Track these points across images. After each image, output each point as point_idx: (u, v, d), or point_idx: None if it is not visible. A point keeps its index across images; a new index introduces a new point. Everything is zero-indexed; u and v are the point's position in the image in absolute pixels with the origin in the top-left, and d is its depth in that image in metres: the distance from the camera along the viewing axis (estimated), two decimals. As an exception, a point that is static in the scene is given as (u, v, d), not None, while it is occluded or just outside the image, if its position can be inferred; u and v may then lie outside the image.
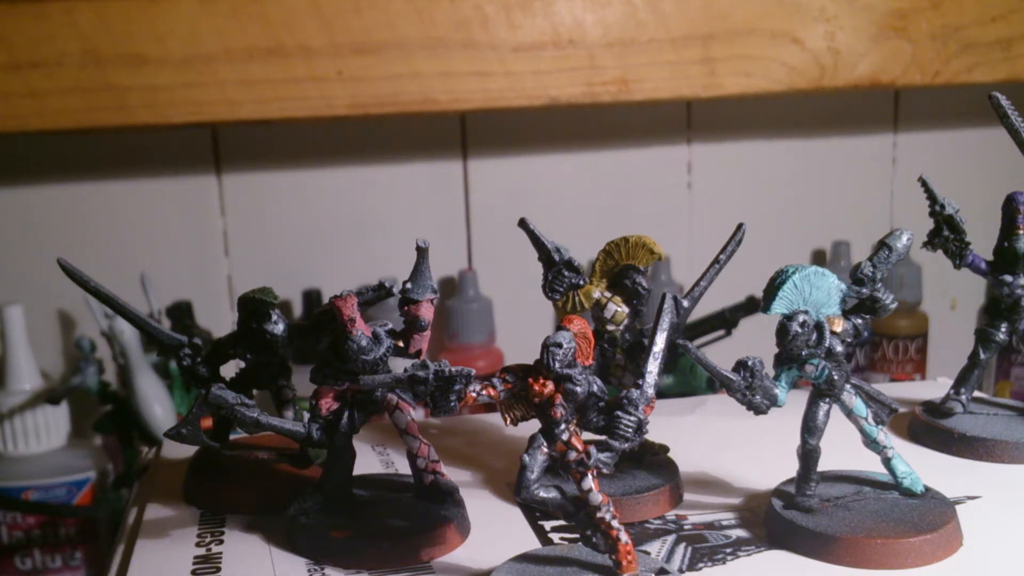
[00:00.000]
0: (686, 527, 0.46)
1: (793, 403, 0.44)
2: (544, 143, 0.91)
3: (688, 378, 0.77)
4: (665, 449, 0.52)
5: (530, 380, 0.38)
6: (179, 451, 0.55)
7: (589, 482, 0.38)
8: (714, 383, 0.75)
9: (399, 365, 0.41)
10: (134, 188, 0.85)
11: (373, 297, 0.46)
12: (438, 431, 0.60)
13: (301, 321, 0.48)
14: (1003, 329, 0.54)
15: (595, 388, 0.38)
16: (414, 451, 0.46)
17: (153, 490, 0.52)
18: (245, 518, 0.48)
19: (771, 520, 0.44)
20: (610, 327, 0.48)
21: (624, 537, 0.39)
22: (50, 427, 0.73)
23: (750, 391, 0.42)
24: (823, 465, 0.44)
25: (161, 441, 0.60)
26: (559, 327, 0.39)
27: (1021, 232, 0.53)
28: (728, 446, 0.56)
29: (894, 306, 0.44)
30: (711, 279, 0.49)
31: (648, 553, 0.43)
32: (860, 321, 0.44)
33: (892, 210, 0.98)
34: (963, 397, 0.55)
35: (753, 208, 0.95)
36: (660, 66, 0.77)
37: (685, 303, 0.47)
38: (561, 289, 0.48)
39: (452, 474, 0.48)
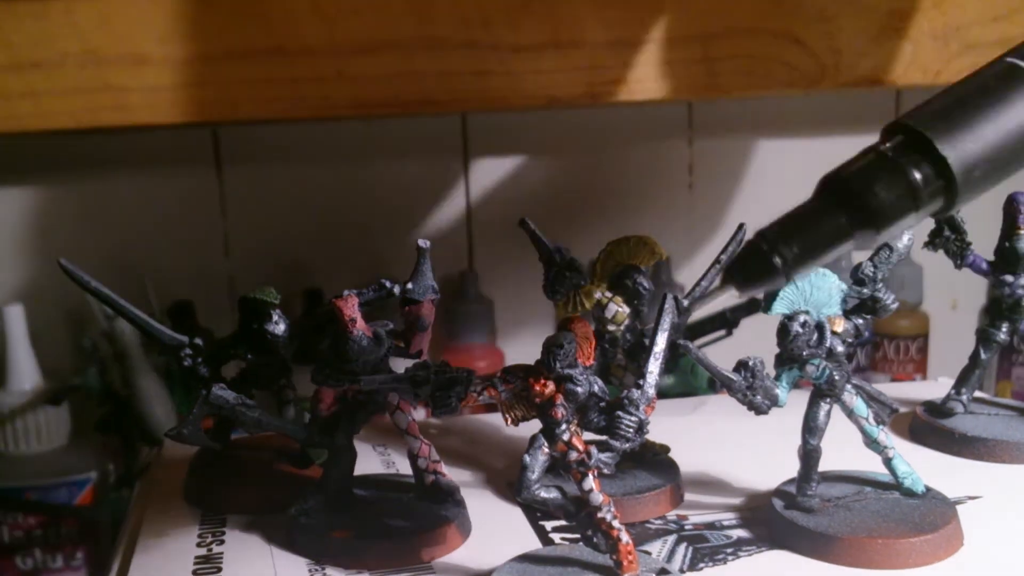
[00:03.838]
0: (687, 527, 0.46)
1: (794, 403, 0.44)
2: (544, 143, 0.91)
3: (689, 378, 0.77)
4: (666, 449, 0.52)
5: (531, 380, 0.38)
6: (180, 451, 0.55)
7: (590, 482, 0.38)
8: (715, 383, 0.75)
9: (400, 366, 0.41)
10: (135, 188, 0.85)
11: (374, 297, 0.46)
12: (439, 431, 0.60)
13: (303, 320, 0.48)
14: (1004, 329, 0.54)
15: (596, 388, 0.38)
16: (415, 451, 0.46)
17: (154, 490, 0.52)
18: (246, 518, 0.48)
19: (772, 520, 0.44)
20: (611, 327, 0.48)
21: (625, 537, 0.39)
22: (51, 427, 0.73)
23: (751, 391, 0.42)
24: (824, 465, 0.44)
25: (162, 441, 0.60)
26: (559, 327, 0.39)
27: (1022, 232, 0.53)
28: (729, 446, 0.56)
29: (895, 306, 0.45)
30: (712, 279, 0.49)
31: (649, 553, 0.43)
32: (861, 321, 0.44)
33: (893, 210, 0.98)
34: (964, 397, 0.55)
35: (754, 208, 0.95)
36: (661, 66, 0.77)
37: (686, 303, 0.48)
38: (562, 289, 0.48)
39: (453, 474, 0.48)
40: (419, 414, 0.73)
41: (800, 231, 0.27)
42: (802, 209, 0.28)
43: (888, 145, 0.27)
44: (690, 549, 0.44)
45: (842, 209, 0.27)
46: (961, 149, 0.26)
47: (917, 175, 0.26)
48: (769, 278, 0.28)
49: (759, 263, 0.28)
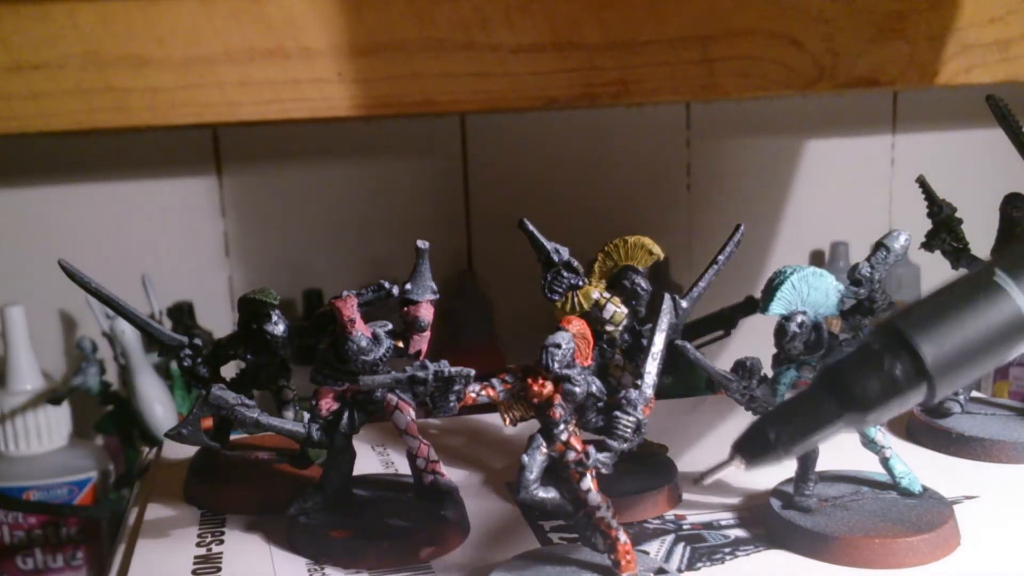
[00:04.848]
0: (685, 527, 0.46)
1: (791, 403, 0.44)
2: (544, 144, 0.91)
3: (688, 378, 0.77)
4: (664, 449, 0.52)
5: (529, 380, 0.38)
6: (180, 451, 0.55)
7: (588, 482, 0.38)
8: (713, 383, 0.75)
9: (399, 366, 0.41)
10: (135, 189, 0.86)
11: (373, 298, 0.46)
12: (438, 431, 0.60)
13: (302, 322, 0.49)
14: (1001, 330, 0.54)
15: (594, 388, 0.39)
16: (414, 451, 0.46)
17: (154, 490, 0.52)
18: (245, 518, 0.48)
19: (770, 520, 0.45)
20: (609, 328, 0.48)
21: (623, 537, 0.39)
22: (51, 427, 0.73)
23: (748, 391, 0.42)
24: (821, 465, 0.45)
25: (162, 441, 0.60)
26: (558, 328, 0.39)
27: (1018, 233, 0.53)
28: (727, 446, 0.56)
29: (892, 307, 0.45)
30: (709, 280, 0.49)
31: (647, 553, 0.43)
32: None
33: (890, 211, 0.98)
34: (961, 397, 0.56)
35: (752, 209, 0.95)
36: (659, 67, 0.77)
37: (684, 303, 0.48)
38: (560, 290, 0.48)
39: (452, 474, 0.48)
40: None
41: (796, 414, 0.32)
42: (800, 396, 0.32)
43: (876, 344, 0.31)
44: (688, 549, 0.44)
45: (833, 396, 0.31)
46: (939, 351, 0.30)
47: (899, 371, 0.30)
48: (772, 455, 0.32)
49: (760, 441, 0.32)
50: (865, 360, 0.31)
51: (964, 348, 0.30)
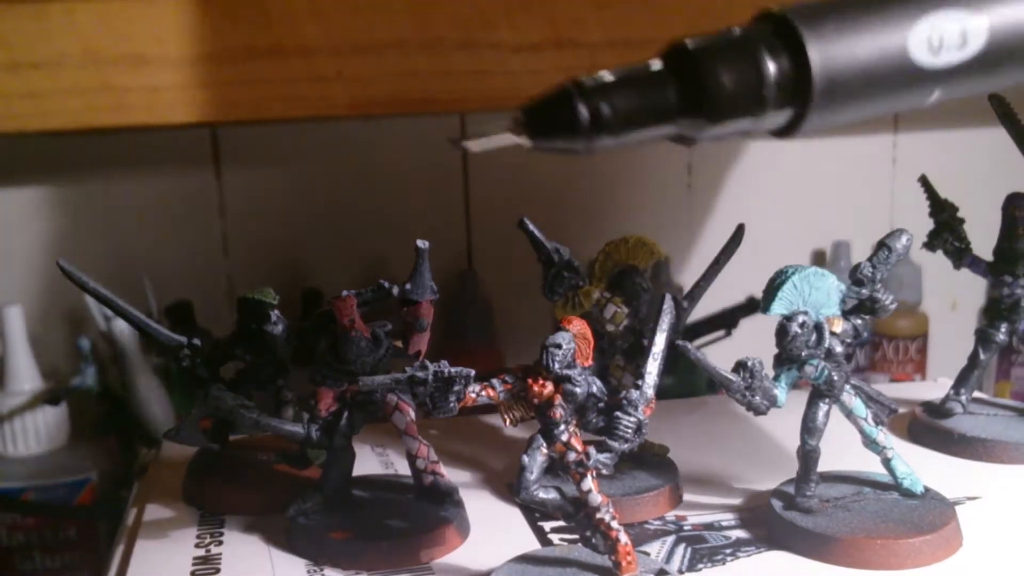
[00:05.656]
0: (686, 528, 0.46)
1: (793, 404, 0.44)
2: (544, 143, 0.91)
3: (689, 378, 0.77)
4: (665, 450, 0.52)
5: (529, 381, 0.38)
6: (178, 452, 0.55)
7: (589, 483, 0.38)
8: (714, 384, 0.75)
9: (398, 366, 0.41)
10: (133, 188, 0.85)
11: (372, 298, 0.46)
12: (438, 432, 0.60)
13: (301, 322, 0.48)
14: (1003, 330, 0.54)
15: (594, 389, 0.38)
16: (413, 452, 0.46)
17: (153, 491, 0.52)
18: (244, 519, 0.48)
19: (771, 521, 0.44)
20: (609, 328, 0.48)
21: (624, 538, 0.39)
22: (50, 428, 0.73)
23: (750, 392, 0.42)
24: (823, 466, 0.44)
25: (160, 442, 0.60)
26: (558, 328, 0.39)
27: (1020, 233, 0.53)
28: (728, 447, 0.56)
29: (894, 307, 0.44)
30: (710, 280, 0.49)
31: (648, 554, 0.43)
32: (860, 322, 0.44)
33: (892, 210, 0.98)
34: (963, 397, 0.55)
35: (753, 208, 0.95)
36: (660, 66, 0.77)
37: (685, 304, 0.47)
38: (561, 290, 0.48)
39: (452, 475, 0.48)
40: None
41: (624, 90, 0.23)
42: (637, 68, 0.23)
43: (752, 27, 0.23)
44: (689, 550, 0.44)
45: (677, 82, 0.23)
46: (829, 54, 0.22)
47: (772, 68, 0.22)
48: (568, 133, 0.23)
49: (564, 111, 0.23)
50: (732, 46, 0.23)
51: (860, 58, 0.22)
